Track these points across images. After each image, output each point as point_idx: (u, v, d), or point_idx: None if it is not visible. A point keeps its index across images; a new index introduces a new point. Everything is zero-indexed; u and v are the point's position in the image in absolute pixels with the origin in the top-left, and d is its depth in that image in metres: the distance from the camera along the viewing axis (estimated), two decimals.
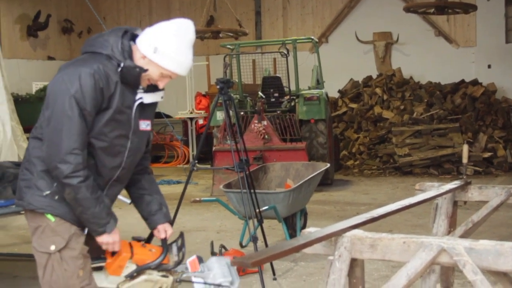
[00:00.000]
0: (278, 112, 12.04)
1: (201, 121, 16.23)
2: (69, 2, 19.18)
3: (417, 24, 16.57)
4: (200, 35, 14.37)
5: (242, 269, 6.19)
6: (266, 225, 6.81)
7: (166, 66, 3.17)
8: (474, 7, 13.88)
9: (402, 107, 15.18)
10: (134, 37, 3.23)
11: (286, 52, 12.16)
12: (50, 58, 18.45)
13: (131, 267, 3.28)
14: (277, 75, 13.25)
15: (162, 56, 3.14)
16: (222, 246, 6.37)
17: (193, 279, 3.45)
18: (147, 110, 3.33)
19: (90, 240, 3.26)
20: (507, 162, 13.74)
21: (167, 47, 3.14)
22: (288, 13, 18.13)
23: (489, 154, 13.50)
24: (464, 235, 4.99)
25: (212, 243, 6.01)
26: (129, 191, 3.52)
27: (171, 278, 3.39)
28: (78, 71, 3.07)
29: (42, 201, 3.19)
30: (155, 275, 3.33)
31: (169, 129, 15.59)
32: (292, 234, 7.13)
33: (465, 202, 5.47)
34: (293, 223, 7.28)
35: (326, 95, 12.38)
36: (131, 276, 3.28)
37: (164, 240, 3.45)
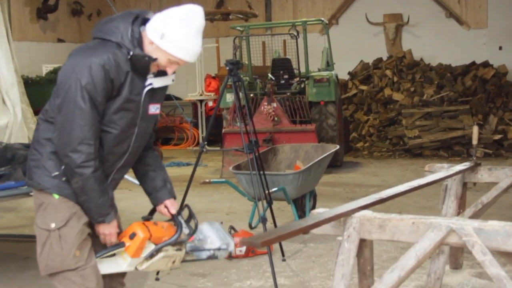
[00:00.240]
0: (288, 94, 12.01)
1: (210, 103, 16.20)
2: None
3: (428, 5, 16.46)
4: (210, 17, 14.32)
5: (252, 250, 6.23)
6: (275, 207, 6.83)
7: (173, 52, 3.14)
8: None
9: (412, 89, 15.11)
10: (145, 22, 3.20)
11: (296, 34, 12.13)
12: (60, 40, 18.44)
13: (149, 247, 3.30)
14: (287, 57, 13.19)
15: (169, 43, 3.12)
16: (232, 228, 6.39)
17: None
18: (157, 93, 3.32)
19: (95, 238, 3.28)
20: None
21: (174, 34, 3.11)
22: None
23: (500, 136, 13.42)
24: (473, 217, 4.99)
25: (221, 224, 6.01)
26: (134, 167, 3.52)
27: (183, 251, 3.46)
28: (89, 61, 3.06)
29: (50, 182, 3.20)
30: (171, 250, 3.37)
31: (179, 111, 15.59)
32: (301, 215, 7.14)
33: (474, 184, 5.46)
34: (302, 204, 7.29)
35: (336, 77, 12.34)
36: (151, 255, 3.31)
37: (175, 216, 3.47)
